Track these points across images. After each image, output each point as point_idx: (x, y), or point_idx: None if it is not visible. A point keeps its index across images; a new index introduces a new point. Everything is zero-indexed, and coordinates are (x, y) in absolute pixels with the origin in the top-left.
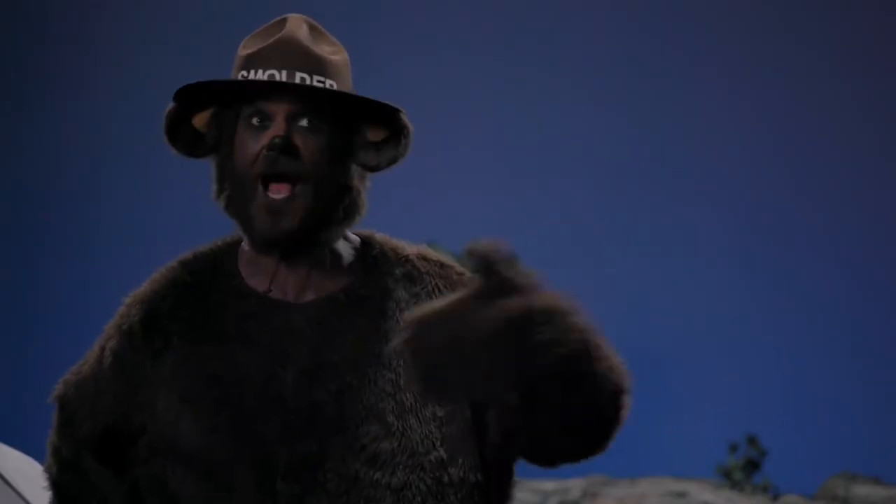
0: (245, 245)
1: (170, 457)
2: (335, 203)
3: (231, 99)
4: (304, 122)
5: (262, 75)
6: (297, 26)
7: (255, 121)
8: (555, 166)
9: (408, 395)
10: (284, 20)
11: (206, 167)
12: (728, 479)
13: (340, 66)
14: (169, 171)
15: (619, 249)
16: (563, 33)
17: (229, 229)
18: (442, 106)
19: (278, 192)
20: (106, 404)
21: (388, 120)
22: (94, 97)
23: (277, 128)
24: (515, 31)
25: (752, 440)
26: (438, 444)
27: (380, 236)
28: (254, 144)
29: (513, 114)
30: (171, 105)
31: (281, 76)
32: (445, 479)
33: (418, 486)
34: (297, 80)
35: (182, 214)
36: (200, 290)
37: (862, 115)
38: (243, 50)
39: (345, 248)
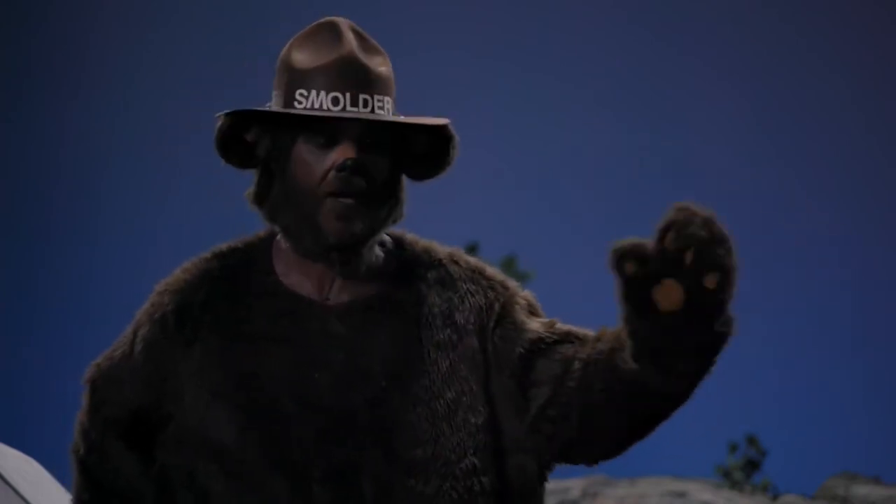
0: (281, 243)
1: (199, 451)
2: (388, 212)
3: (292, 118)
4: (369, 142)
5: (325, 98)
6: (350, 38)
7: (320, 139)
8: (554, 166)
9: (441, 402)
10: (334, 26)
11: (206, 167)
12: (728, 479)
13: (391, 79)
14: (169, 171)
15: None
16: (564, 33)
17: (230, 228)
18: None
19: (347, 199)
20: (136, 390)
21: (435, 130)
22: (95, 96)
23: (347, 149)
24: (515, 32)
25: (751, 440)
26: (471, 452)
27: (410, 237)
28: (319, 162)
29: (513, 114)
30: (223, 119)
31: (345, 98)
32: (476, 487)
33: (450, 493)
34: (361, 102)
35: (182, 214)
36: (234, 284)
37: (863, 116)
38: (297, 61)
39: (379, 250)
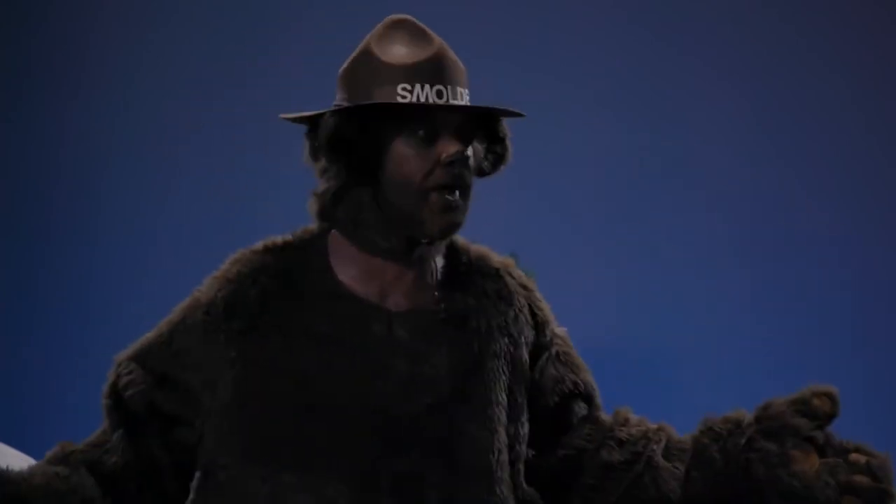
0: (339, 242)
1: (246, 446)
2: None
3: (394, 112)
4: (467, 135)
5: (430, 91)
6: (434, 35)
7: (420, 132)
8: (554, 166)
9: (500, 410)
10: (411, 24)
11: (206, 167)
12: None
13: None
14: (169, 171)
15: (619, 249)
16: (564, 33)
17: (230, 227)
18: None
19: (454, 192)
20: (172, 362)
21: (489, 127)
22: (95, 96)
23: (453, 143)
24: (515, 32)
25: None
26: (522, 460)
27: (462, 241)
28: (422, 157)
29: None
30: (331, 118)
31: (448, 91)
32: (528, 497)
33: (509, 501)
34: (460, 95)
35: (182, 214)
36: (291, 280)
37: (863, 116)
38: (391, 58)
39: (439, 257)
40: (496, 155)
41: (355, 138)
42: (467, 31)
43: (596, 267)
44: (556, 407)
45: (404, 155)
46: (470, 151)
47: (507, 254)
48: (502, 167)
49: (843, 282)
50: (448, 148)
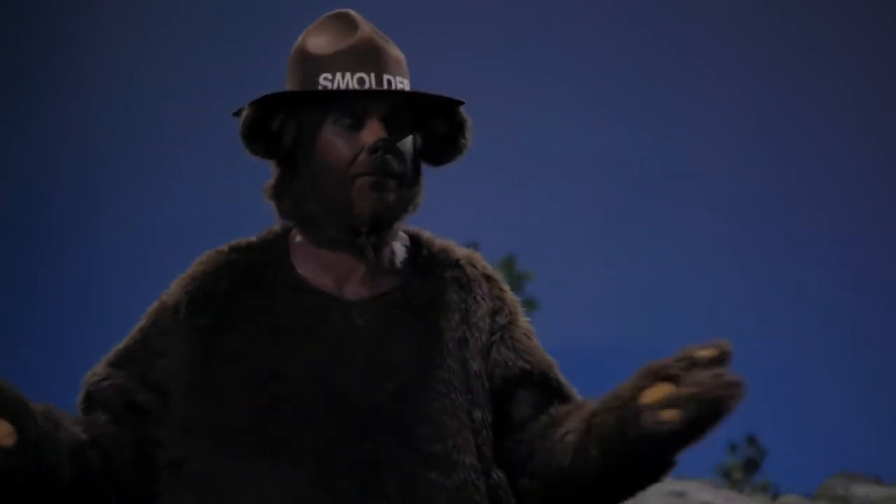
0: (297, 238)
1: (214, 439)
2: (413, 195)
3: (317, 102)
4: (396, 123)
5: (351, 78)
6: (365, 24)
7: (346, 122)
8: (554, 166)
9: (461, 396)
10: (346, 15)
11: (206, 167)
12: (727, 478)
13: (406, 64)
14: (169, 171)
15: (619, 250)
16: (564, 33)
17: (230, 227)
18: None
19: (380, 177)
20: (148, 363)
21: (448, 116)
22: (95, 96)
23: (378, 130)
24: (515, 32)
25: (751, 440)
26: (488, 445)
27: (427, 234)
28: (348, 145)
29: (513, 114)
30: (248, 108)
31: (370, 79)
32: (493, 480)
33: (472, 486)
34: (385, 83)
35: (182, 214)
36: (256, 278)
37: (863, 116)
38: (315, 48)
39: (397, 246)
40: (454, 143)
41: (279, 129)
42: (467, 31)
43: (596, 267)
44: (499, 391)
45: (331, 143)
46: (409, 141)
47: (505, 254)
48: (459, 156)
49: (843, 282)
50: (372, 135)
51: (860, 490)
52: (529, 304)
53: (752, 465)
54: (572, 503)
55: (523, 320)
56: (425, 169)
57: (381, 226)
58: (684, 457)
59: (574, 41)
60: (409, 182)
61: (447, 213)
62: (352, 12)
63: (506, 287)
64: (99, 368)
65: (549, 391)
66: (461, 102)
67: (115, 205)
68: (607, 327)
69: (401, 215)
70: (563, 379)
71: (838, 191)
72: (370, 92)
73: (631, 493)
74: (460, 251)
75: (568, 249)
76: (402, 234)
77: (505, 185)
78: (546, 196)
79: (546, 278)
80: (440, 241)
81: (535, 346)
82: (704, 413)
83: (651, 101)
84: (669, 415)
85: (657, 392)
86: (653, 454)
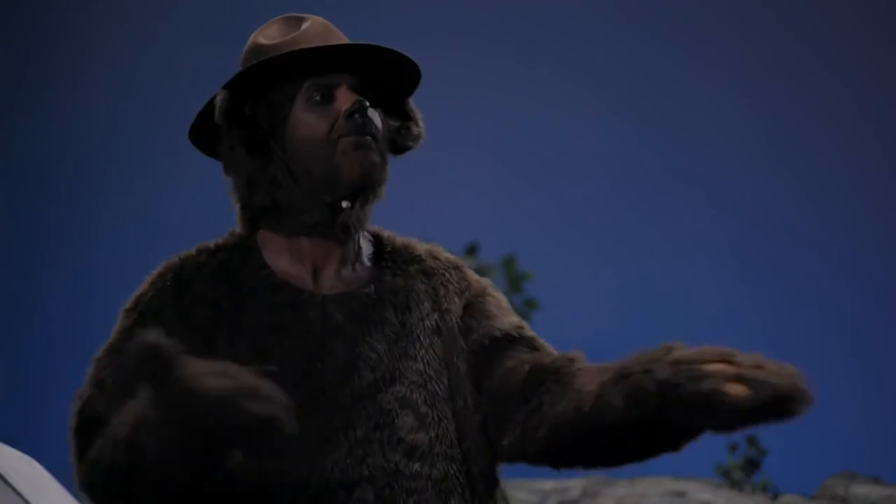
0: (267, 236)
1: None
2: (386, 169)
3: (281, 79)
4: (363, 95)
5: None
6: (315, 17)
7: (316, 96)
8: (554, 166)
9: (440, 385)
10: (294, 15)
11: (206, 167)
12: (727, 478)
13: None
14: (169, 170)
15: (618, 250)
16: (564, 33)
17: (230, 227)
18: (442, 106)
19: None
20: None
21: (399, 112)
22: (95, 96)
23: (348, 96)
24: (515, 32)
25: (751, 440)
26: (471, 434)
27: (387, 233)
28: (323, 118)
29: (513, 114)
30: (222, 92)
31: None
32: (475, 469)
33: (457, 476)
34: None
35: (182, 214)
36: (229, 278)
37: (863, 116)
38: (269, 38)
39: (364, 243)
40: (408, 132)
41: (251, 113)
42: (467, 31)
43: (596, 267)
44: (480, 359)
45: (305, 120)
46: (379, 114)
47: (506, 254)
48: (414, 145)
49: (843, 282)
50: (345, 101)
51: (860, 490)
52: (529, 304)
53: (752, 465)
54: (577, 457)
55: (495, 293)
56: (425, 169)
57: (369, 186)
58: (684, 457)
59: (574, 41)
60: (384, 157)
61: (447, 214)
62: (302, 14)
63: (471, 273)
64: (84, 389)
65: (524, 344)
66: (415, 64)
67: (115, 205)
68: (607, 327)
69: (383, 180)
70: (535, 334)
71: (838, 191)
72: (335, 48)
73: (638, 457)
74: (421, 247)
75: (568, 249)
76: (365, 232)
77: (505, 185)
78: (546, 196)
79: (546, 278)
80: (401, 239)
81: (507, 311)
82: (772, 402)
83: (651, 101)
84: (737, 390)
85: (725, 368)
86: (687, 421)
